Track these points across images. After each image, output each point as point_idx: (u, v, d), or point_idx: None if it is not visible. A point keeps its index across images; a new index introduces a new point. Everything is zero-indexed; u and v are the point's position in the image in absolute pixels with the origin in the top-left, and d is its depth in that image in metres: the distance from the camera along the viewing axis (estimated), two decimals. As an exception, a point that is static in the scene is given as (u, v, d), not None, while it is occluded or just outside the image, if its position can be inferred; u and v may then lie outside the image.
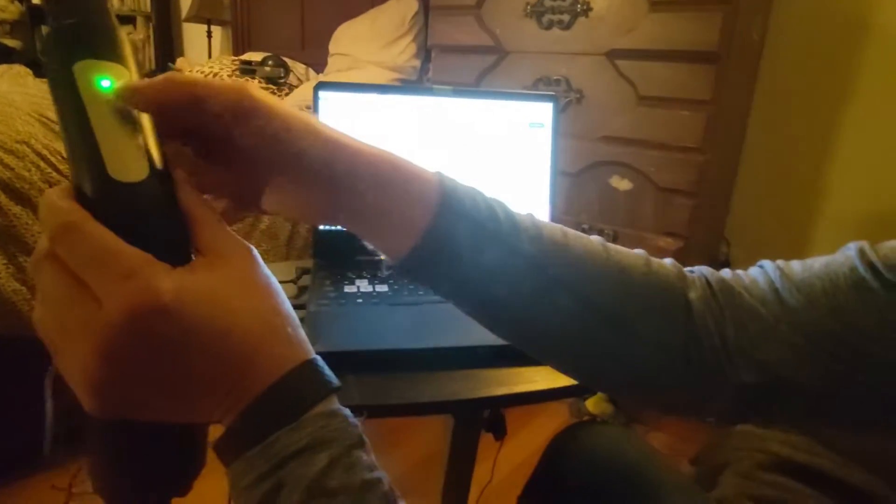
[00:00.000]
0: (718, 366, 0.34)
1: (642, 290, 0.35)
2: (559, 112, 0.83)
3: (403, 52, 2.09)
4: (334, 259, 0.76)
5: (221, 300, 0.26)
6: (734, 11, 1.28)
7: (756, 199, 1.71)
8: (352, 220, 0.33)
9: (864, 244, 0.33)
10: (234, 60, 2.38)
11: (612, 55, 1.42)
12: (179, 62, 2.80)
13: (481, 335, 0.58)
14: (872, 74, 1.49)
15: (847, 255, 0.34)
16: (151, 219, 0.26)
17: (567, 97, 1.50)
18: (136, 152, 0.26)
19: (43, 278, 0.25)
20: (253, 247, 0.29)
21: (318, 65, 2.41)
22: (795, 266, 0.35)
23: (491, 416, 0.72)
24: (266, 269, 0.29)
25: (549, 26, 1.49)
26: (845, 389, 0.32)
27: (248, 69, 2.25)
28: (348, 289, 0.68)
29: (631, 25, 1.37)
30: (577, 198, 1.53)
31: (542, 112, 0.82)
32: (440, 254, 0.33)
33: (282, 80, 2.27)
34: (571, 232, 0.36)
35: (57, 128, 1.21)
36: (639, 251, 0.37)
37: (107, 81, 0.25)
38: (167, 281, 0.24)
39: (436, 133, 0.79)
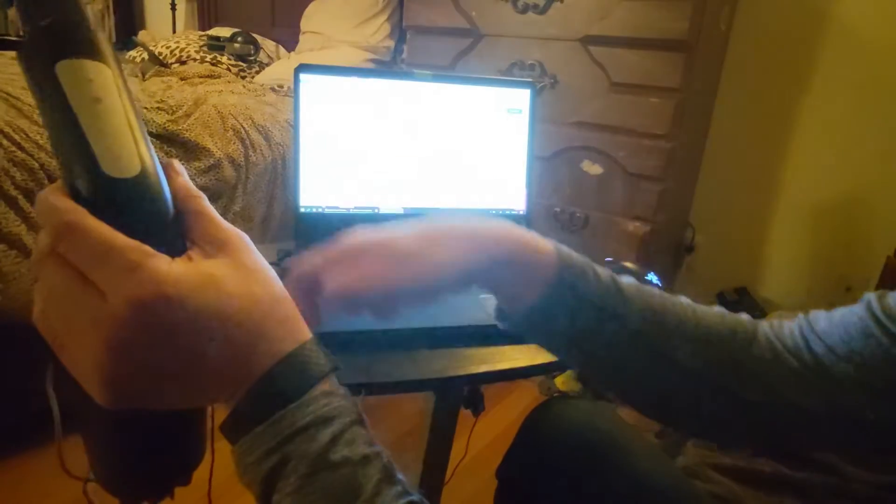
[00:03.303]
0: (763, 409, 0.40)
1: (723, 352, 0.41)
2: (536, 98, 0.84)
3: (377, 32, 2.06)
4: (315, 242, 0.77)
5: (219, 286, 0.27)
6: (703, 1, 1.31)
7: (719, 187, 1.78)
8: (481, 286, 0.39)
9: (873, 296, 0.39)
10: (201, 36, 2.31)
11: (586, 41, 1.44)
12: (142, 35, 2.70)
13: (463, 316, 0.61)
14: (830, 66, 1.56)
15: (861, 304, 0.40)
16: (147, 212, 0.27)
17: (541, 82, 1.52)
18: (127, 148, 0.26)
19: (46, 276, 0.26)
20: (245, 234, 0.30)
21: (289, 42, 2.36)
22: (821, 318, 0.41)
23: (469, 393, 0.75)
24: (259, 255, 0.30)
25: (525, 10, 1.50)
26: (860, 423, 0.38)
27: (216, 45, 2.19)
28: (331, 271, 0.70)
29: (604, 12, 1.40)
30: (550, 181, 1.57)
31: (520, 98, 0.84)
32: (546, 325, 0.40)
33: (251, 58, 2.22)
34: (668, 299, 0.42)
35: (20, 104, 1.17)
36: (718, 310, 0.43)
37: (90, 79, 0.25)
38: (168, 271, 0.25)
39: (416, 117, 0.80)
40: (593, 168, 1.51)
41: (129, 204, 0.26)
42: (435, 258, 0.37)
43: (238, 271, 0.28)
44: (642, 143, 1.42)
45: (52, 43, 0.25)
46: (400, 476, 0.28)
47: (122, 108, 0.26)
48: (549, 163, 1.55)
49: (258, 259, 0.30)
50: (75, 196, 0.26)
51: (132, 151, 0.26)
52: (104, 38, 0.26)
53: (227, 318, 0.27)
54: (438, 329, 0.59)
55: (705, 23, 1.36)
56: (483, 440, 1.39)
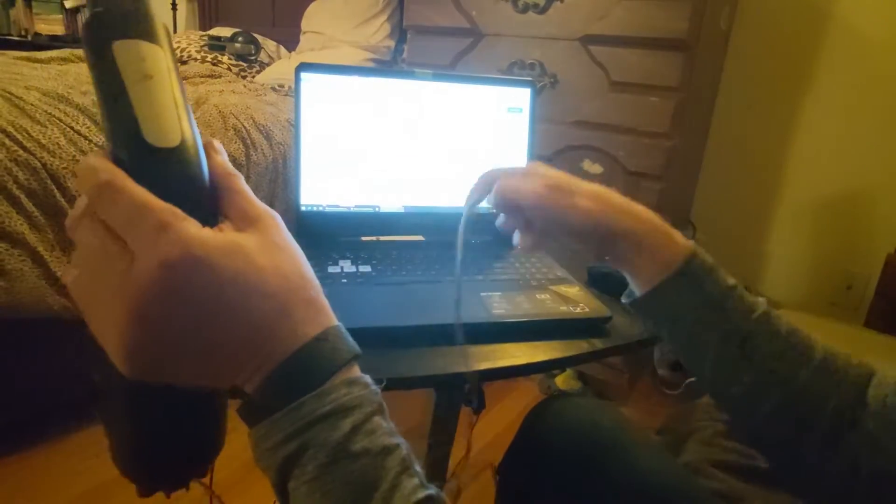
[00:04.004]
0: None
1: (845, 392, 0.40)
2: (536, 97, 0.85)
3: (377, 32, 2.07)
4: (317, 240, 0.77)
5: (248, 256, 0.27)
6: (703, 1, 1.31)
7: (720, 185, 1.78)
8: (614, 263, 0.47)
9: None
10: (201, 36, 2.31)
11: (586, 40, 1.45)
12: (143, 36, 2.70)
13: (464, 313, 0.61)
14: (831, 64, 1.56)
15: None
16: (183, 183, 0.28)
17: (541, 81, 1.53)
18: (170, 121, 0.27)
19: (80, 238, 0.26)
20: (277, 214, 0.30)
21: (290, 42, 2.37)
22: None
23: (470, 391, 0.75)
24: (290, 236, 0.30)
25: (525, 10, 1.50)
26: None
27: (217, 45, 2.19)
28: (332, 269, 0.70)
29: (604, 12, 1.40)
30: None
31: (520, 97, 0.84)
32: (661, 309, 0.44)
33: (252, 58, 2.22)
34: (792, 326, 0.42)
35: (23, 104, 1.18)
36: (845, 353, 0.42)
37: (143, 58, 0.27)
38: (198, 234, 0.25)
39: (416, 116, 0.80)
40: (594, 167, 1.51)
41: (167, 172, 0.27)
42: (587, 204, 0.47)
43: (268, 246, 0.28)
44: (642, 142, 1.42)
45: (113, 24, 0.27)
46: (418, 468, 0.28)
47: (170, 86, 0.28)
48: (549, 162, 1.54)
49: (289, 238, 0.30)
50: (118, 164, 0.27)
51: (174, 124, 0.28)
52: (161, 25, 0.29)
53: (252, 288, 0.27)
54: (438, 326, 0.59)
55: (705, 22, 1.36)
56: (484, 439, 1.39)
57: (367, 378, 0.29)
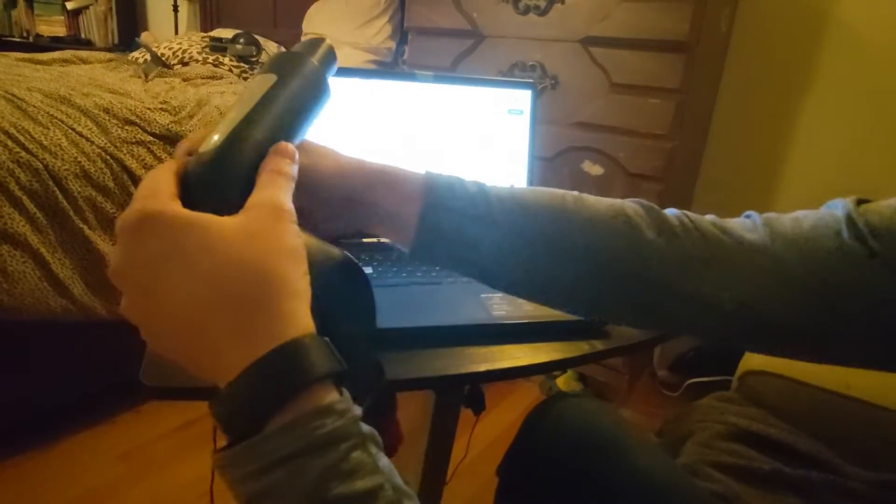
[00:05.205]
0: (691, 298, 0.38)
1: (616, 239, 0.40)
2: (537, 99, 0.85)
3: (378, 34, 2.07)
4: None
5: (202, 235, 0.27)
6: (703, 3, 1.32)
7: (719, 187, 1.78)
8: (363, 227, 0.41)
9: (851, 207, 0.36)
10: (203, 37, 2.31)
11: (586, 42, 1.45)
12: (144, 37, 2.71)
13: (463, 315, 0.61)
14: (831, 66, 1.56)
15: (835, 216, 0.36)
16: (196, 181, 0.32)
17: (542, 83, 1.53)
18: (217, 136, 0.32)
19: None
20: (289, 211, 0.29)
21: (291, 43, 2.37)
22: (785, 220, 0.39)
23: (470, 392, 0.75)
24: (291, 234, 0.29)
25: (526, 12, 1.51)
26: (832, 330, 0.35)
27: (218, 47, 2.19)
28: (333, 271, 0.70)
29: (605, 13, 1.40)
30: (551, 182, 1.55)
31: (520, 99, 0.84)
32: (433, 243, 0.40)
33: (254, 59, 2.22)
34: (544, 194, 0.42)
35: (25, 106, 1.19)
36: (614, 201, 0.42)
37: (258, 80, 0.36)
38: (173, 205, 0.28)
39: (417, 118, 0.80)
40: (594, 168, 1.51)
41: (193, 169, 0.32)
42: (322, 171, 0.40)
43: (239, 231, 0.27)
44: (643, 144, 1.42)
45: (270, 63, 0.37)
46: (408, 502, 0.25)
47: (240, 105, 0.33)
48: (549, 163, 1.56)
49: (280, 233, 0.28)
50: None
51: (217, 138, 0.32)
52: (296, 64, 0.37)
53: (195, 262, 0.26)
54: (438, 328, 0.60)
55: (706, 24, 1.36)
56: (484, 441, 1.39)
57: (346, 401, 0.26)
